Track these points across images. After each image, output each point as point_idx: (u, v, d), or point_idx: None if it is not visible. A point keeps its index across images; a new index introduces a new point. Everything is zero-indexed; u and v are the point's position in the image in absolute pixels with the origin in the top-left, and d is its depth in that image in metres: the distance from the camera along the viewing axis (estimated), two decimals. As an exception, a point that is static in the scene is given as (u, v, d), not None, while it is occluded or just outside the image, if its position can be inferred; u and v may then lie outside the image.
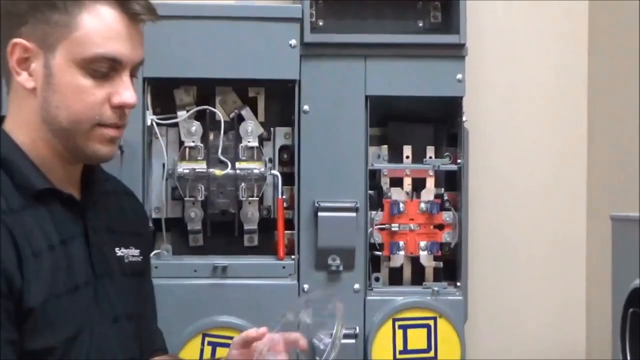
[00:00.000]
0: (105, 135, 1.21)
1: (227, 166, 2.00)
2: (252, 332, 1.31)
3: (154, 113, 2.00)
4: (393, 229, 2.05)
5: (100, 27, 1.18)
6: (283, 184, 2.03)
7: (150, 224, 2.03)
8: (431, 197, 2.07)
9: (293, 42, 1.96)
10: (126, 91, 1.20)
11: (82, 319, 1.20)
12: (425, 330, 2.00)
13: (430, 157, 2.09)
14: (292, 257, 2.01)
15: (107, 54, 1.18)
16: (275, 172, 2.04)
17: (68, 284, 1.19)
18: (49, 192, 1.21)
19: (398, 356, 2.00)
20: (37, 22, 1.18)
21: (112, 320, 1.26)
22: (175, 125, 2.03)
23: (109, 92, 1.20)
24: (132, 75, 1.23)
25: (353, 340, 1.97)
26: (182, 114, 2.02)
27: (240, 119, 2.06)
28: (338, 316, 1.25)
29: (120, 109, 1.21)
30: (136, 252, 1.35)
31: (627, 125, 2.13)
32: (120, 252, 1.31)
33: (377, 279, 2.05)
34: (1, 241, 1.13)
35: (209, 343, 1.92)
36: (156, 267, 1.94)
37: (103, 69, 1.18)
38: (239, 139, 2.04)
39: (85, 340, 1.20)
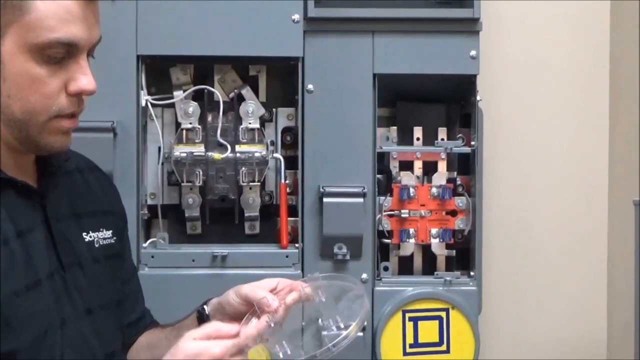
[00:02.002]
0: (62, 127, 1.15)
1: (226, 149, 1.97)
2: (265, 304, 1.23)
3: (149, 93, 1.97)
4: (403, 215, 2.02)
5: (54, 9, 1.10)
6: (286, 168, 2.01)
7: (145, 212, 2.02)
8: (443, 182, 2.04)
9: (296, 16, 1.93)
10: (84, 77, 1.13)
11: (49, 316, 1.15)
12: (437, 322, 1.98)
13: (442, 139, 2.06)
14: (296, 245, 1.99)
15: (63, 38, 1.10)
16: (278, 155, 2.02)
17: (28, 279, 1.13)
18: (0, 182, 1.14)
19: (408, 350, 1.98)
20: None
21: (86, 313, 1.21)
22: (172, 106, 2.00)
23: (65, 79, 1.13)
24: (89, 55, 1.17)
25: (361, 333, 1.94)
26: (178, 94, 1.99)
27: (241, 99, 2.02)
28: (361, 315, 1.22)
29: (78, 97, 1.15)
30: (108, 233, 1.29)
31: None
32: (89, 237, 1.25)
33: (385, 269, 2.02)
34: None
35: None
36: (152, 257, 1.96)
37: (58, 55, 1.11)
38: (239, 120, 2.01)
39: (56, 338, 1.15)
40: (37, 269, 1.14)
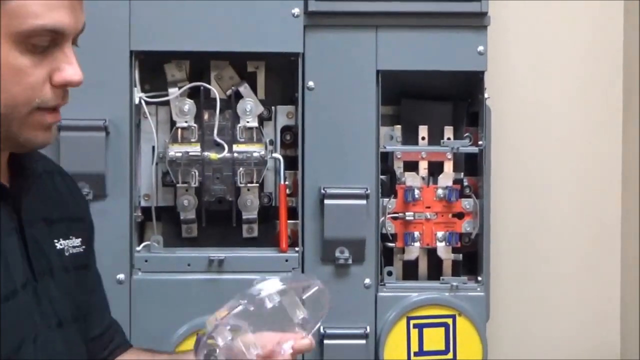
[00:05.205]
0: (44, 122, 1.10)
1: (223, 149, 1.97)
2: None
3: (143, 90, 1.97)
4: (407, 217, 2.02)
5: None
6: (285, 169, 2.01)
7: (138, 214, 1.99)
8: (449, 183, 2.04)
9: (296, 10, 1.93)
10: (69, 67, 1.08)
11: (25, 327, 1.11)
12: (443, 329, 1.98)
13: (449, 139, 2.06)
14: (296, 249, 1.98)
15: (49, 25, 1.05)
16: (277, 155, 2.02)
17: (6, 289, 1.08)
18: None
19: (413, 358, 1.98)
20: None
21: (57, 325, 1.17)
22: (167, 103, 1.99)
23: (49, 70, 1.08)
24: (73, 43, 1.12)
25: (363, 341, 1.95)
26: (173, 91, 1.98)
27: (238, 96, 2.01)
28: (325, 309, 1.22)
29: (63, 88, 1.10)
30: (77, 241, 1.25)
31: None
32: (59, 244, 1.22)
33: (389, 273, 2.01)
34: None
35: (204, 344, 1.88)
36: (146, 261, 1.95)
37: (43, 43, 1.07)
38: (236, 118, 2.00)
39: (29, 351, 1.11)
40: (14, 277, 1.10)
